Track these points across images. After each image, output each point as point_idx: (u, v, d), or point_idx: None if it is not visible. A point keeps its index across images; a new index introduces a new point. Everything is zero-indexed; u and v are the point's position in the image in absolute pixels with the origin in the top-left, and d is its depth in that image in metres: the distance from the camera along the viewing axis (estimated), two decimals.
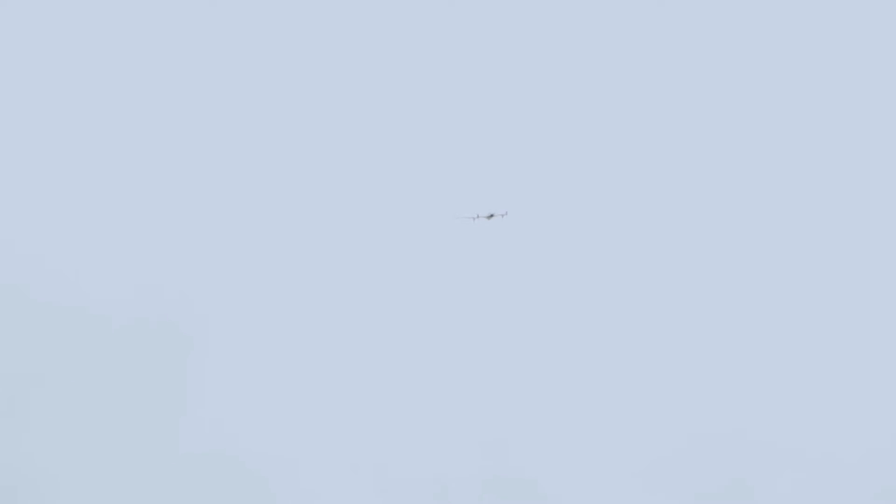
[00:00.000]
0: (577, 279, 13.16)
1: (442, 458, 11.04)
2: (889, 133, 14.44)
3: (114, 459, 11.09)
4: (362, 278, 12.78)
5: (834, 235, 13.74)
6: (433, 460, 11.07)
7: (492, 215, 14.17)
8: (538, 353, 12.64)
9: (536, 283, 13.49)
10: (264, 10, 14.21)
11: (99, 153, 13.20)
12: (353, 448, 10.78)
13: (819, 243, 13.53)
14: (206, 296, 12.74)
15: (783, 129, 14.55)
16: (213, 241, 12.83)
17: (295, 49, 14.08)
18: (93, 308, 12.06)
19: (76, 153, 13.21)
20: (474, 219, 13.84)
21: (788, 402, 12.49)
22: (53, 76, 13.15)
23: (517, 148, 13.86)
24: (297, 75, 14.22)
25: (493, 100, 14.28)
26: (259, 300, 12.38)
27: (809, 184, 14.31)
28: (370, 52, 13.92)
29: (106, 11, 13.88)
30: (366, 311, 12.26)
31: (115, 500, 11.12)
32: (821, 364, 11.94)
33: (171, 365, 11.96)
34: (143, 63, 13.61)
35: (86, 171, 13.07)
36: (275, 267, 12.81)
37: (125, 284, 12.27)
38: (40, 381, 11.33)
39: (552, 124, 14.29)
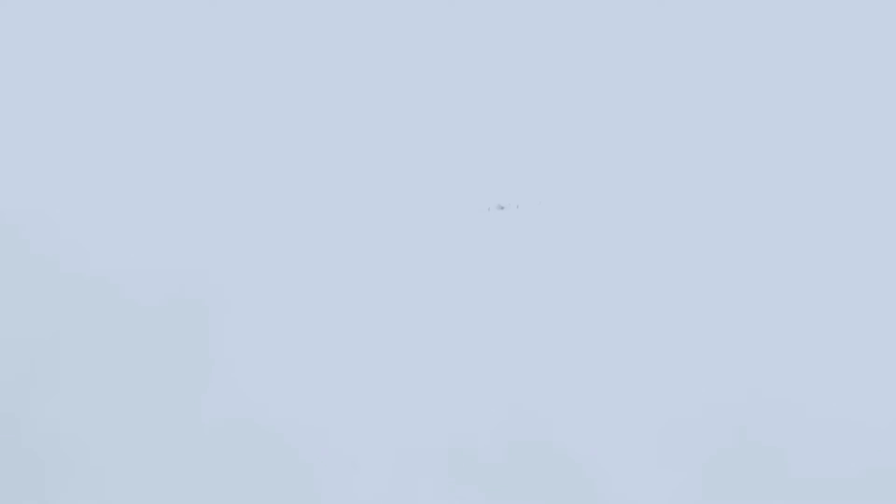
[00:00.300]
0: (596, 252, 13.49)
1: (469, 423, 11.23)
2: (891, 133, 14.65)
3: (141, 428, 11.23)
4: (383, 251, 13.11)
5: (844, 204, 14.16)
6: (461, 425, 11.25)
7: (502, 207, 14.49)
8: (554, 319, 12.90)
9: (555, 256, 13.81)
10: (268, 8, 14.78)
11: (126, 136, 13.60)
12: (381, 414, 10.90)
13: (829, 211, 13.95)
14: (230, 267, 13.05)
15: (799, 122, 14.93)
16: (235, 214, 13.20)
17: (311, 38, 14.63)
18: (117, 278, 12.37)
19: (106, 135, 13.61)
20: (487, 210, 14.13)
21: (806, 361, 12.67)
22: (87, 53, 13.66)
23: (528, 138, 14.16)
24: (308, 70, 14.73)
25: (500, 91, 14.78)
26: (283, 271, 12.68)
27: (831, 161, 14.73)
28: (379, 39, 14.48)
29: (124, 8, 14.29)
30: (390, 278, 12.57)
31: (142, 468, 11.24)
32: (841, 323, 12.17)
33: (195, 335, 12.20)
34: (171, 52, 14.13)
35: (116, 151, 13.47)
36: (298, 239, 13.16)
37: (150, 256, 12.58)
38: (65, 349, 11.58)
39: (561, 115, 14.80)
